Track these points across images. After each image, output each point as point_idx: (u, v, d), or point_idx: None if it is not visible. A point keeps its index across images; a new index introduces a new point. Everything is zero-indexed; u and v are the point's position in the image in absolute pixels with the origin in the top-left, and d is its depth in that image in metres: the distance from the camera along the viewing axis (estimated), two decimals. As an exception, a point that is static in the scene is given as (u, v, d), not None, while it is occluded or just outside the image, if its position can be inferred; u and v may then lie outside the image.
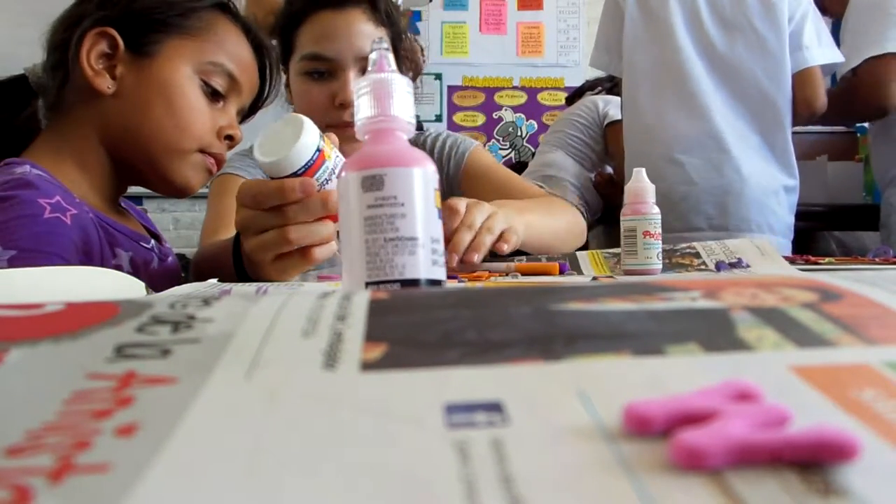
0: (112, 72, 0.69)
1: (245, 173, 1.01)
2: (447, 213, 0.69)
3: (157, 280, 0.73)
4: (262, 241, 0.57)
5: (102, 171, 0.73)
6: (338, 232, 0.58)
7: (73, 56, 0.68)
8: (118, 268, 0.66)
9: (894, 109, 1.50)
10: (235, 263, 0.63)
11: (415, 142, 1.12)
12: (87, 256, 0.62)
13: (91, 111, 0.70)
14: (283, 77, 1.04)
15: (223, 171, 1.03)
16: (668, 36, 1.42)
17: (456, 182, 1.09)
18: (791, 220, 1.43)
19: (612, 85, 2.12)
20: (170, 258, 0.81)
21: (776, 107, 1.37)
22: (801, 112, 1.40)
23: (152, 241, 0.77)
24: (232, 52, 0.74)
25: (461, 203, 0.71)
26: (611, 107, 1.99)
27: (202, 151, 0.73)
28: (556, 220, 0.93)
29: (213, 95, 0.73)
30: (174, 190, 0.74)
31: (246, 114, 0.82)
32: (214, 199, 1.00)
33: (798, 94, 1.39)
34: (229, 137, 0.75)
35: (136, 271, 0.69)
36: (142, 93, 0.69)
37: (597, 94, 2.14)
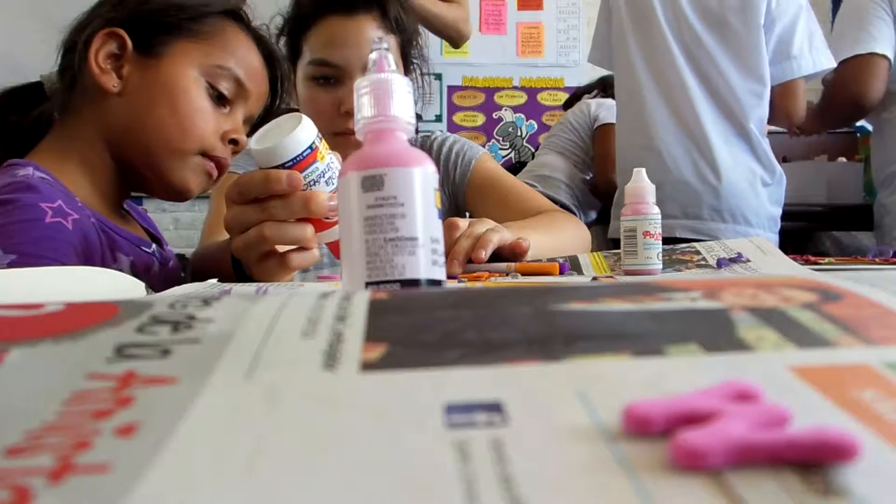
0: (119, 71, 0.70)
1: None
2: (448, 229, 0.69)
3: (158, 284, 0.72)
4: (245, 239, 0.57)
5: (106, 174, 0.72)
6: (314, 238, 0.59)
7: (81, 56, 0.69)
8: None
9: (871, 108, 1.52)
10: (234, 262, 0.64)
11: (421, 145, 1.12)
12: (88, 261, 0.62)
13: (96, 111, 0.70)
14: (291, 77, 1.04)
15: None
16: (651, 29, 1.44)
17: (461, 190, 1.09)
18: (775, 212, 1.44)
19: (604, 86, 2.14)
20: (171, 262, 0.81)
21: (741, 104, 1.38)
22: (781, 123, 1.43)
23: (153, 246, 0.77)
24: (241, 58, 0.74)
25: (462, 220, 0.72)
26: (602, 110, 2.01)
27: (204, 155, 0.72)
28: (561, 237, 0.93)
29: (219, 99, 0.72)
30: (173, 192, 0.74)
31: (255, 124, 0.81)
32: (216, 197, 1.00)
33: (779, 105, 1.41)
34: (234, 142, 0.75)
35: (136, 275, 0.69)
36: (146, 92, 0.69)
37: (593, 97, 2.15)
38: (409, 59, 1.03)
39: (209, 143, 0.72)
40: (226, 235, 0.79)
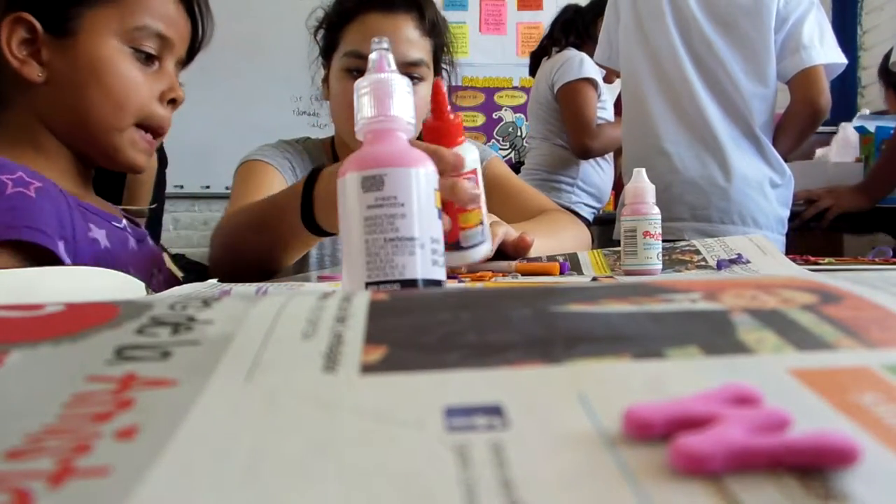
0: (37, 57, 0.67)
1: (274, 162, 1.03)
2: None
3: (137, 260, 0.73)
4: None
5: (62, 156, 0.72)
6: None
7: None
8: (95, 242, 0.65)
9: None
10: (304, 207, 0.64)
11: None
12: (62, 227, 0.60)
13: (29, 101, 0.69)
14: (323, 72, 1.06)
15: (249, 157, 1.04)
16: (659, 30, 1.43)
17: None
18: (783, 214, 1.43)
19: (553, 39, 2.07)
20: (146, 239, 0.81)
21: (749, 106, 1.37)
22: (803, 111, 1.38)
23: (124, 221, 0.76)
24: (156, 10, 0.71)
25: None
26: (556, 72, 1.95)
27: (142, 125, 0.72)
28: (562, 237, 0.94)
29: (147, 59, 0.71)
30: (124, 169, 0.74)
31: (184, 62, 0.79)
32: (241, 184, 1.00)
33: (798, 94, 1.37)
34: (172, 101, 0.74)
35: (114, 247, 0.68)
36: (73, 76, 0.68)
37: (549, 56, 2.06)
38: (439, 64, 1.04)
39: (146, 111, 0.71)
40: None
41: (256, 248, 0.76)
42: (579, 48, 1.99)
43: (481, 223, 0.59)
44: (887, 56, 1.98)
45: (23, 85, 0.68)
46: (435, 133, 0.57)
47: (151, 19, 0.71)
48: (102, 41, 0.68)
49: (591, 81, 1.92)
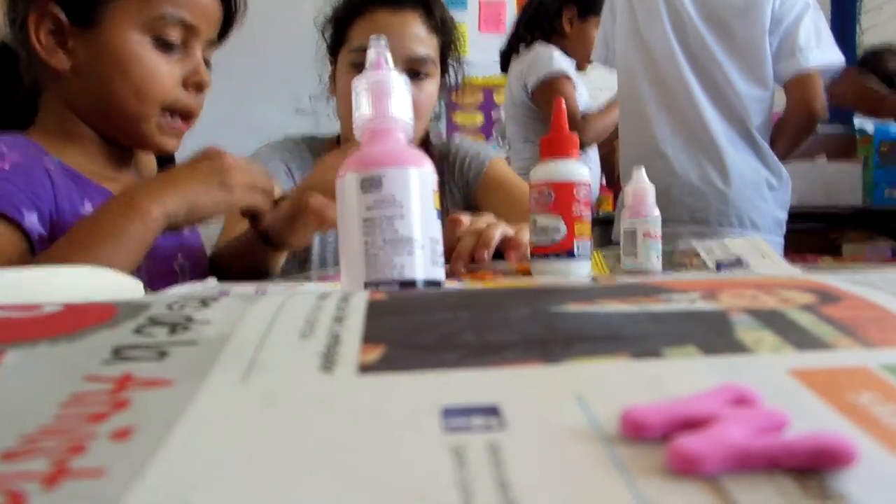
0: (65, 47, 0.69)
1: (269, 166, 1.02)
2: (451, 224, 0.70)
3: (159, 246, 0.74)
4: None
5: (93, 141, 0.74)
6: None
7: (24, 39, 0.69)
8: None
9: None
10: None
11: (440, 151, 1.14)
12: (36, 197, 0.63)
13: (59, 89, 0.72)
14: (330, 69, 1.07)
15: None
16: (655, 30, 1.42)
17: (474, 189, 1.12)
18: (781, 216, 1.42)
19: (518, 37, 2.00)
20: (186, 232, 0.81)
21: (746, 108, 1.37)
22: (798, 113, 1.38)
23: None
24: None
25: (464, 216, 0.73)
26: (528, 71, 1.89)
27: (169, 109, 0.73)
28: None
29: (170, 47, 0.72)
30: (154, 152, 0.78)
31: (217, 40, 0.80)
32: None
33: (794, 97, 1.37)
34: (197, 85, 0.75)
35: None
36: (97, 66, 0.70)
37: (519, 55, 1.99)
38: (446, 61, 1.05)
39: (170, 97, 0.73)
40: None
41: (248, 268, 0.79)
42: (546, 42, 1.95)
43: (590, 239, 0.59)
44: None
45: (52, 73, 0.70)
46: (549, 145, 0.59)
47: (173, 7, 0.71)
48: (124, 32, 0.70)
49: (564, 74, 1.88)
